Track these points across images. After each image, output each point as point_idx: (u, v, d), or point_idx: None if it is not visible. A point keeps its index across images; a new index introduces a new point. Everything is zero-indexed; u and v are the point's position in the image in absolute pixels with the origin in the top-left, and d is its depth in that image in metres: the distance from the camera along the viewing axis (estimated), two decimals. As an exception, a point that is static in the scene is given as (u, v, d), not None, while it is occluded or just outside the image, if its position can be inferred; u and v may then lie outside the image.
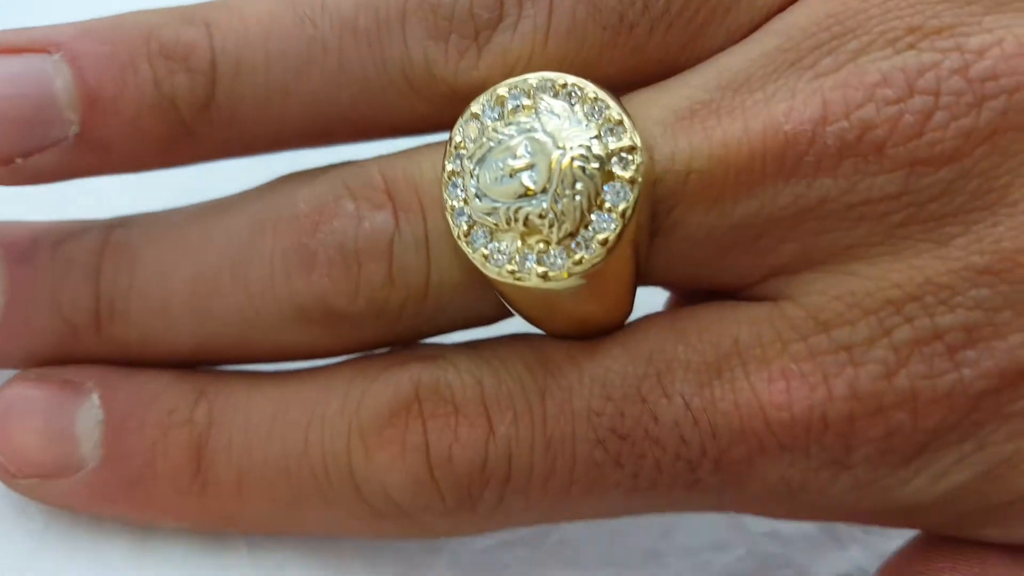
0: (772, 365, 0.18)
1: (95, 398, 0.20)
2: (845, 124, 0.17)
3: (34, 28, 0.19)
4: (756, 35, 0.18)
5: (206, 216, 0.20)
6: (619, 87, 0.19)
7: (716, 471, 0.18)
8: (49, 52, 0.18)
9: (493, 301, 0.19)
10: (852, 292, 0.18)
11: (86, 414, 0.20)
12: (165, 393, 0.20)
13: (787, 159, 0.17)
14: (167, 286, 0.20)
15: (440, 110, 0.19)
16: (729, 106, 0.18)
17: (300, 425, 0.20)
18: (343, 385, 0.20)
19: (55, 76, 0.18)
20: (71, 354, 0.20)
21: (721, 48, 0.19)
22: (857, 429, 0.18)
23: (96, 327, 0.20)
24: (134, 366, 0.21)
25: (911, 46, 0.17)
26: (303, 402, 0.20)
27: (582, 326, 0.19)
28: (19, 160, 0.19)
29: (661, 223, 0.18)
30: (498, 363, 0.19)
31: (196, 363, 0.21)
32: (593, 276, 0.18)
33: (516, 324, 0.20)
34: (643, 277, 0.19)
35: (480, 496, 0.19)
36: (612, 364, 0.18)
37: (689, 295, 0.20)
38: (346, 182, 0.19)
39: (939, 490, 0.18)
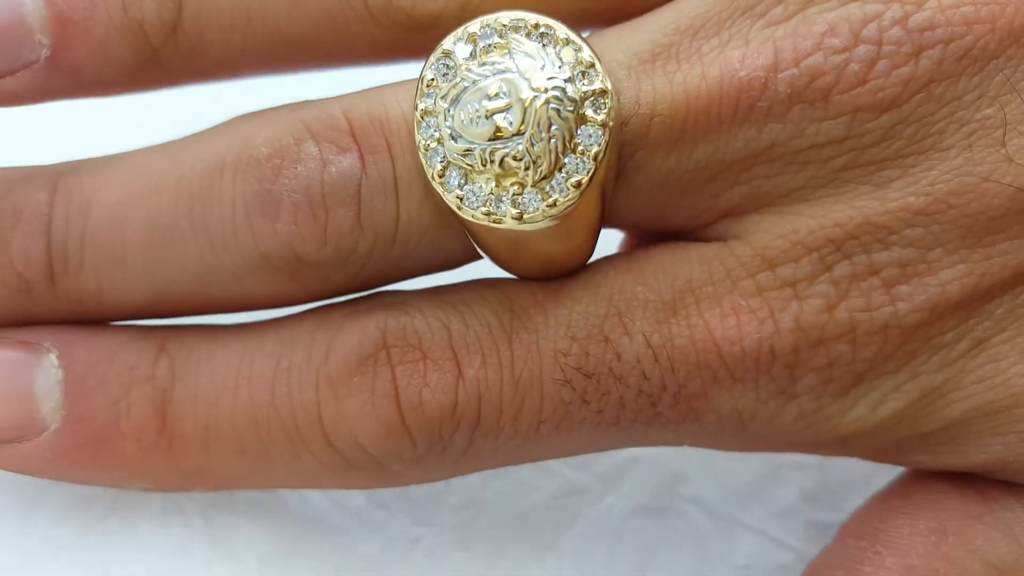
0: (723, 301, 0.19)
1: (53, 357, 0.19)
2: (795, 71, 0.18)
3: None
4: None
5: (160, 159, 0.19)
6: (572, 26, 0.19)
7: (675, 405, 0.19)
8: None
9: (460, 243, 0.19)
10: (795, 230, 0.18)
11: (45, 374, 0.19)
12: (125, 349, 0.20)
13: (741, 104, 0.18)
14: (123, 235, 0.19)
15: (398, 39, 0.19)
16: (687, 50, 0.18)
17: (266, 376, 0.19)
18: (307, 335, 0.19)
19: None
20: (26, 312, 0.20)
21: None
22: (801, 359, 0.19)
23: (50, 281, 0.19)
24: (91, 322, 0.20)
25: None
26: (267, 354, 0.19)
27: (547, 266, 0.19)
28: None
29: (625, 165, 0.19)
30: (464, 308, 0.19)
31: (153, 315, 0.20)
32: (564, 217, 0.18)
33: (477, 270, 0.20)
34: (606, 218, 0.19)
35: (451, 440, 0.19)
36: (575, 306, 0.19)
37: (642, 237, 0.21)
38: (307, 123, 0.19)
39: (876, 418, 0.19)
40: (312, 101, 0.19)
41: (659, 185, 0.19)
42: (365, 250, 0.19)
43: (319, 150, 0.18)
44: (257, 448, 0.19)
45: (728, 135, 0.18)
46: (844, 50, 0.18)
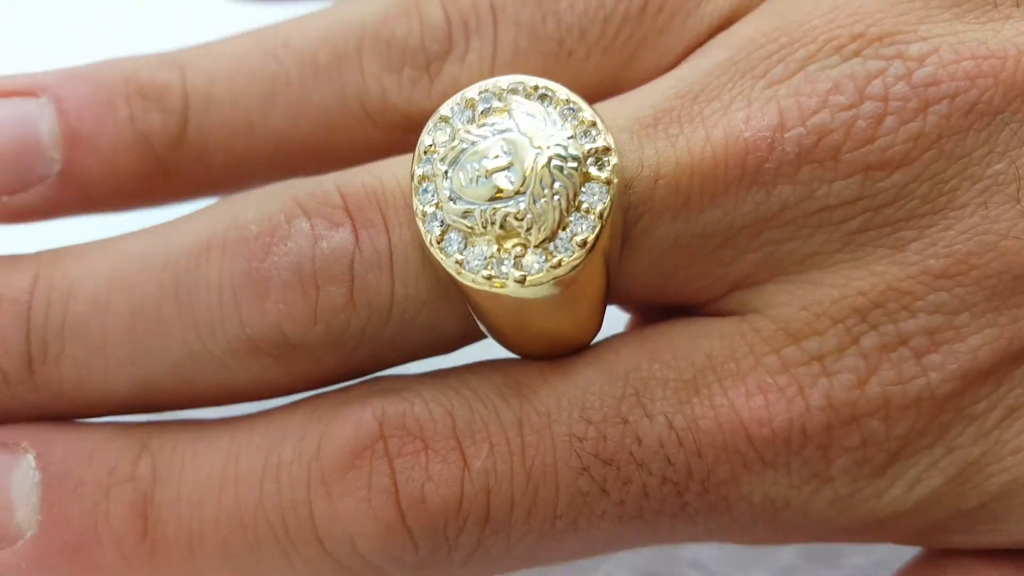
0: (748, 379, 0.18)
1: (30, 458, 0.18)
2: (802, 130, 0.17)
3: (21, 74, 0.20)
4: (705, 49, 0.19)
5: (144, 243, 0.19)
6: None
7: (703, 493, 0.18)
8: (36, 95, 0.19)
9: (459, 320, 0.18)
10: (818, 301, 0.18)
11: (22, 477, 0.18)
12: (105, 448, 0.18)
13: (748, 166, 0.18)
14: (104, 321, 0.18)
15: (395, 137, 0.20)
16: (689, 114, 0.18)
17: (254, 475, 0.18)
18: (298, 427, 0.18)
19: (41, 118, 0.19)
20: (2, 404, 0.19)
21: (657, 69, 0.19)
22: (834, 439, 0.17)
23: (28, 371, 0.18)
24: (70, 416, 0.19)
25: (856, 53, 0.18)
26: (255, 449, 0.18)
27: (553, 342, 0.18)
28: (5, 198, 0.19)
29: (630, 231, 0.18)
30: (468, 391, 0.18)
31: (137, 409, 0.19)
32: (568, 283, 0.17)
33: (477, 353, 0.19)
34: (612, 290, 0.18)
35: (457, 540, 0.17)
36: (589, 385, 0.18)
37: (650, 316, 0.20)
38: (299, 200, 0.18)
39: (914, 498, 0.18)
40: (306, 178, 0.19)
41: (666, 252, 0.18)
42: (358, 328, 0.18)
43: (310, 226, 0.18)
44: (245, 554, 0.18)
45: (736, 198, 0.18)
46: (851, 107, 0.18)
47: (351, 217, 0.18)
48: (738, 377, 0.18)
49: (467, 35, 0.19)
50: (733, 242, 0.18)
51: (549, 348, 0.18)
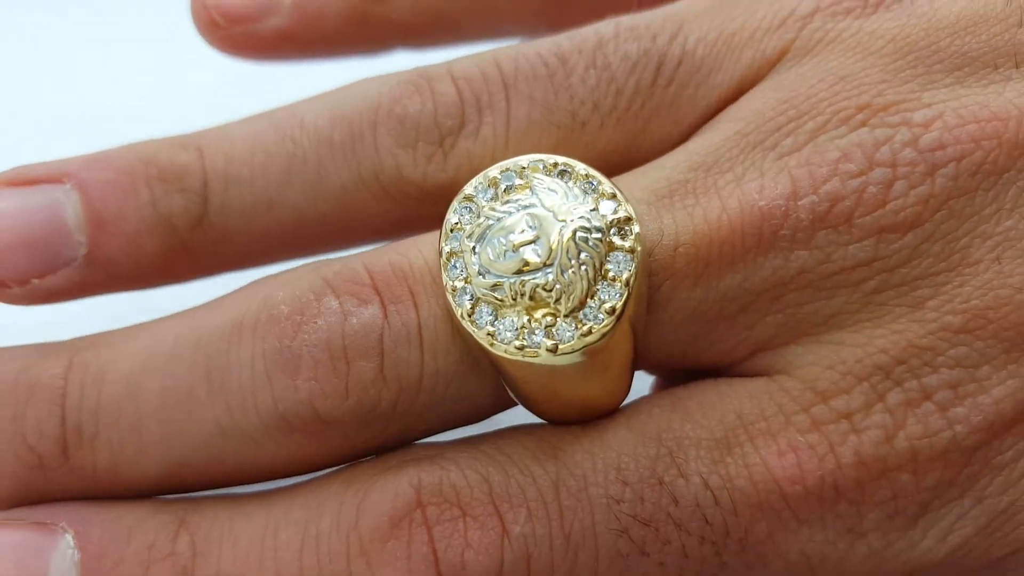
0: (779, 438, 0.18)
1: (69, 538, 0.18)
2: (815, 198, 0.18)
3: (48, 162, 0.20)
4: (715, 123, 0.20)
5: (176, 326, 0.19)
6: None
7: (741, 551, 0.18)
8: (62, 182, 0.20)
9: (489, 389, 0.18)
10: (843, 361, 0.18)
11: (60, 557, 0.18)
12: (143, 525, 0.18)
13: (764, 233, 0.18)
14: (137, 404, 0.18)
15: (410, 213, 0.20)
16: (703, 185, 0.19)
17: (292, 547, 0.18)
18: (336, 498, 0.18)
19: (66, 203, 0.20)
20: (39, 489, 0.19)
21: (668, 140, 0.20)
22: (866, 494, 0.18)
23: (64, 455, 0.19)
24: (105, 498, 0.19)
25: (863, 123, 0.19)
26: (293, 521, 0.18)
27: (583, 408, 0.18)
28: (35, 281, 0.20)
29: (653, 297, 0.18)
30: (503, 457, 0.18)
31: (169, 490, 0.19)
32: (599, 351, 0.17)
33: (507, 421, 0.19)
34: (639, 356, 0.19)
35: None
36: (623, 447, 0.18)
37: (674, 380, 0.20)
38: (327, 279, 0.18)
39: (946, 548, 0.18)
40: (334, 258, 0.19)
41: (689, 317, 0.18)
42: (389, 402, 0.18)
43: (339, 303, 0.18)
44: None
45: (755, 264, 0.18)
46: (860, 174, 0.18)
47: (379, 294, 0.18)
48: (769, 436, 0.18)
49: (480, 110, 0.20)
50: (754, 306, 0.18)
51: (579, 414, 0.18)
